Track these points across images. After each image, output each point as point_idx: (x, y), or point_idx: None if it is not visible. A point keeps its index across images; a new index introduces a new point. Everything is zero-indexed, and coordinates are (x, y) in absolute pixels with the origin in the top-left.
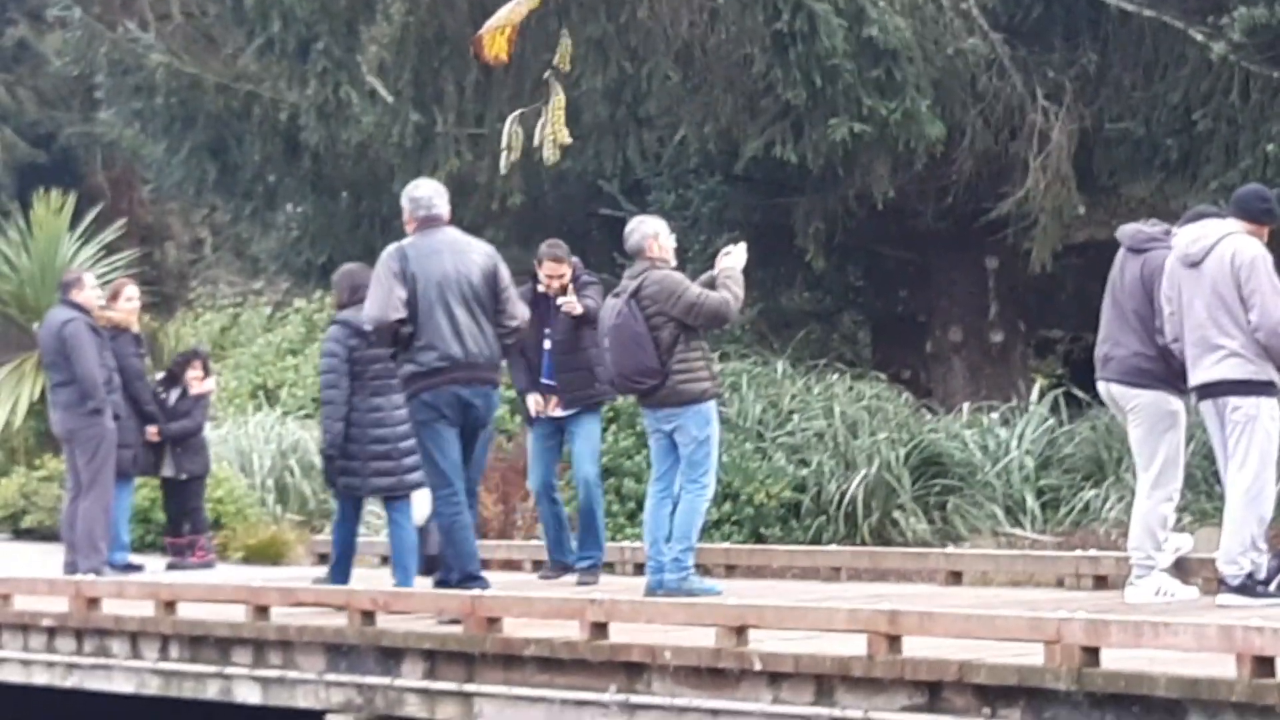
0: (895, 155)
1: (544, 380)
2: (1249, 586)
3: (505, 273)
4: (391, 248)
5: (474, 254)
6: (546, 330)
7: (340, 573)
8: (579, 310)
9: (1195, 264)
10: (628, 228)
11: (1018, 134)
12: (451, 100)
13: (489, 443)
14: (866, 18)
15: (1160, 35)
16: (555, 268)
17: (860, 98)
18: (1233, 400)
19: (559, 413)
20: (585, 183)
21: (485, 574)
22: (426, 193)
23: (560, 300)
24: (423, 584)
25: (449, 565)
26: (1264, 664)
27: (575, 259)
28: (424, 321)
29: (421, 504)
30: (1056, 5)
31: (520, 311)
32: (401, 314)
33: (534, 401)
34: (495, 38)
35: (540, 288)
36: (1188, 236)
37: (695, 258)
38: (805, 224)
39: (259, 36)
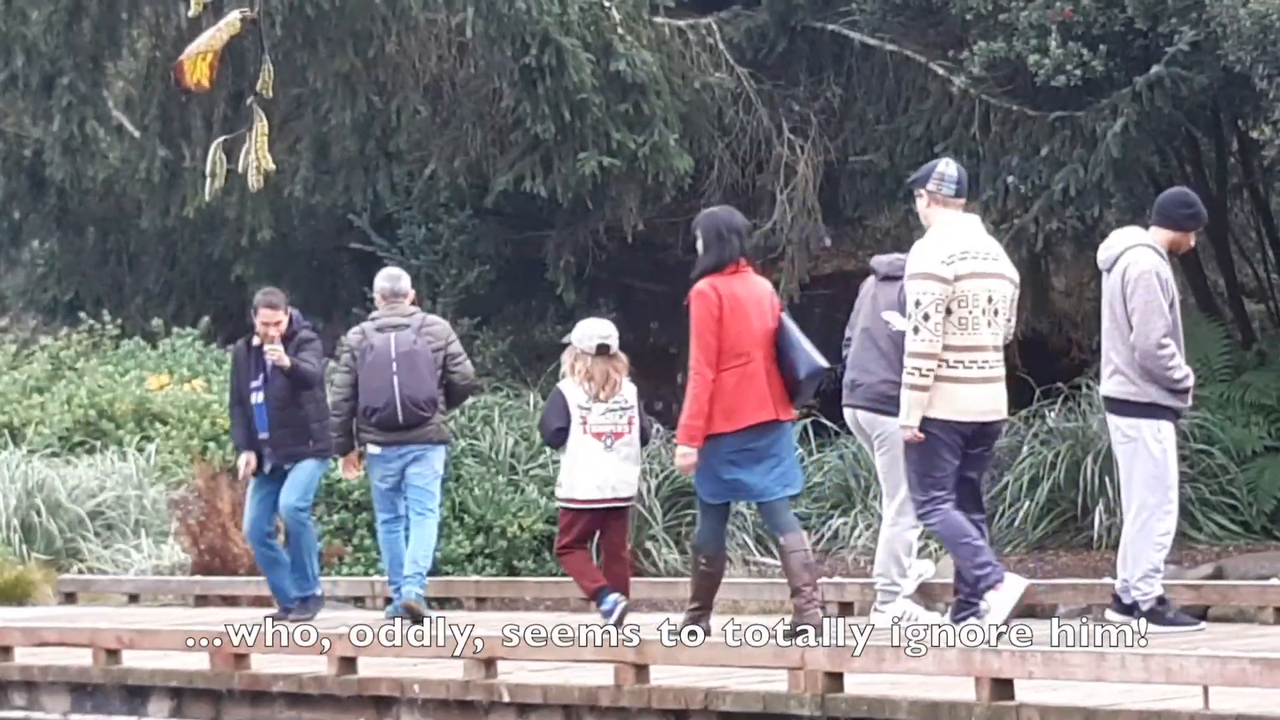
0: (644, 188)
1: (261, 435)
2: (1159, 612)
3: None
4: None
5: None
6: (255, 384)
7: None
8: (286, 363)
9: (1107, 270)
10: (393, 273)
11: (764, 167)
12: (199, 135)
13: None
14: (614, 52)
15: (902, 69)
16: (271, 314)
17: (609, 131)
18: (1112, 419)
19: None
20: (335, 217)
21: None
22: None
23: (267, 349)
24: None
25: None
26: (1003, 686)
27: (295, 310)
28: None
29: None
30: (800, 39)
31: None
32: None
33: (244, 462)
34: (197, 64)
35: (255, 340)
36: (1105, 244)
37: (446, 291)
38: (556, 257)
39: (1, 71)
